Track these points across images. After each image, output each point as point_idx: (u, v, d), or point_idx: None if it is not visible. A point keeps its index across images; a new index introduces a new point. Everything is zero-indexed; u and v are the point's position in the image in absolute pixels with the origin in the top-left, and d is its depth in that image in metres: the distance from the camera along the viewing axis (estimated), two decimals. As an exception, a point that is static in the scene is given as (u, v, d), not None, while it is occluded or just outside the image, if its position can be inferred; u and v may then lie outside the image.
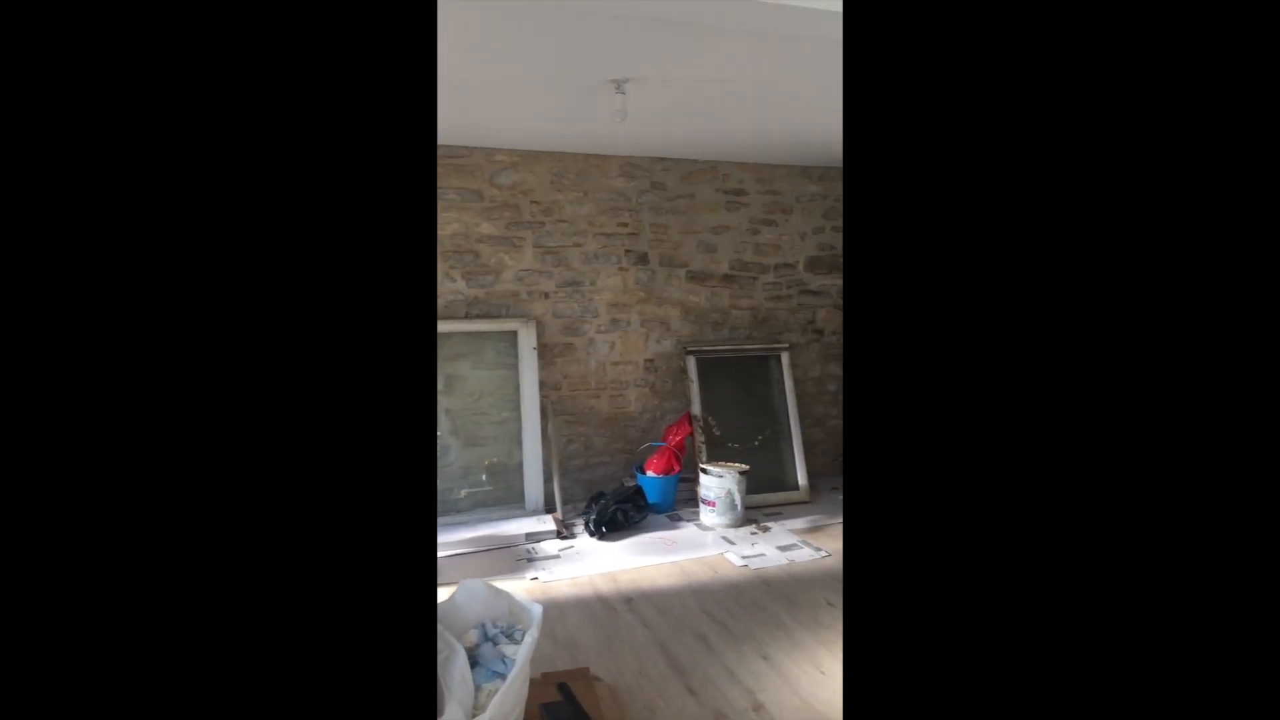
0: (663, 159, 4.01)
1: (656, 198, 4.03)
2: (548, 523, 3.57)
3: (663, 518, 3.76)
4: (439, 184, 3.66)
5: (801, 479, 4.05)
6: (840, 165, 4.28)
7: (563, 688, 2.04)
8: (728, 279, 4.24)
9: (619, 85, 2.40)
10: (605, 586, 2.97)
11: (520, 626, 2.06)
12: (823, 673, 2.33)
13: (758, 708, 2.13)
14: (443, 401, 3.71)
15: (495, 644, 1.97)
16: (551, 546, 3.39)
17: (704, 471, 3.68)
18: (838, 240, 4.46)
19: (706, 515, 3.66)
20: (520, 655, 1.72)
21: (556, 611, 2.74)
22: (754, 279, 4.30)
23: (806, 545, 3.40)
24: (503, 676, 1.79)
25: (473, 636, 1.99)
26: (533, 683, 2.04)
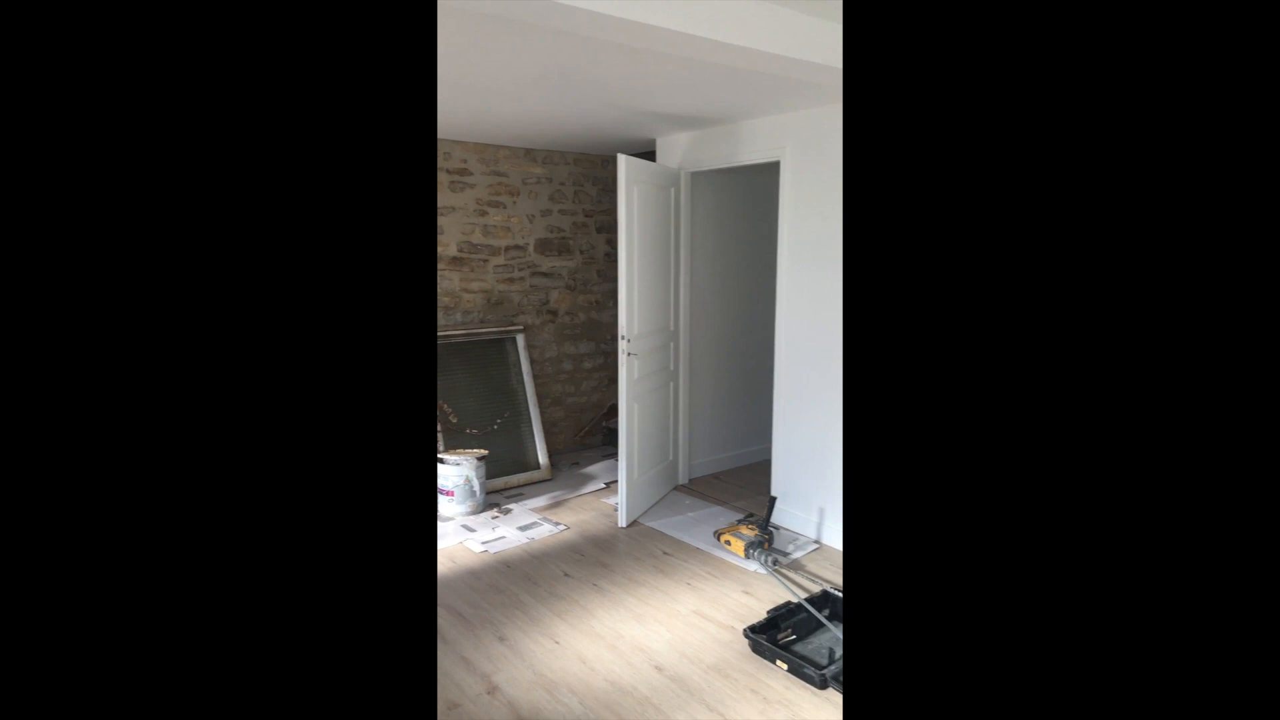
0: (376, 134, 3.76)
1: (372, 176, 3.77)
2: (263, 536, 3.21)
3: (399, 514, 3.59)
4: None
5: (542, 458, 4.12)
6: (561, 150, 4.37)
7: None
8: (457, 261, 4.13)
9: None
10: (332, 596, 2.76)
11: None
12: (556, 642, 2.40)
13: (492, 690, 2.14)
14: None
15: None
16: (268, 562, 3.05)
17: (440, 461, 3.58)
18: (565, 223, 4.57)
19: (445, 505, 3.57)
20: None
21: (272, 633, 2.48)
22: (485, 261, 4.24)
23: (546, 522, 3.48)
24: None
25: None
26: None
